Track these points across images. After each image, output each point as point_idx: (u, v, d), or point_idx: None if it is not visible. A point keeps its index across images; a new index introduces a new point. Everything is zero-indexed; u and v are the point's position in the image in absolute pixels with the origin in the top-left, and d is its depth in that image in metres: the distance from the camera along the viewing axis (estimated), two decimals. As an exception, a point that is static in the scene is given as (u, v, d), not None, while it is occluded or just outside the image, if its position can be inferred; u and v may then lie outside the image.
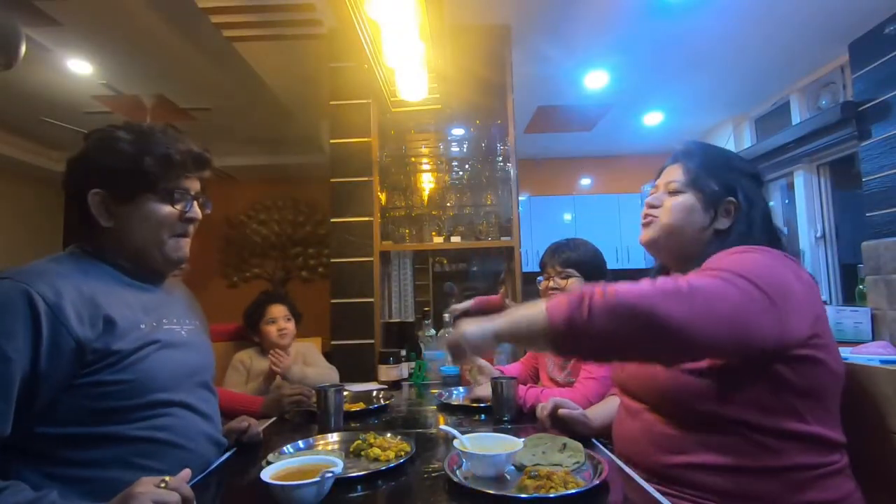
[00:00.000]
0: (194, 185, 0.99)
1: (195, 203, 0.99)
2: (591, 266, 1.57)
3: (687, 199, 0.99)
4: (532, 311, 0.82)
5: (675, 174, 1.03)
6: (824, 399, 0.85)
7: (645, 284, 0.76)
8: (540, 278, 1.66)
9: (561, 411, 1.16)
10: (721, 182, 0.98)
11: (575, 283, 1.57)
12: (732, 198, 0.98)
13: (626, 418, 1.03)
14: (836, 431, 0.85)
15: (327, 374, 2.02)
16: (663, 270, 1.10)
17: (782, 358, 0.81)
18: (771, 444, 0.82)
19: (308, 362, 2.08)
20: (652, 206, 1.04)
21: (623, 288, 0.76)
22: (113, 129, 0.94)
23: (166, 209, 0.94)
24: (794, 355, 0.81)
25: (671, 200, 1.01)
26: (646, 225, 1.05)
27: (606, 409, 1.21)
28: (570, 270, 1.57)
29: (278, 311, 2.06)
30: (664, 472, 0.89)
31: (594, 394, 1.36)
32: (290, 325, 2.07)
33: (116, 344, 0.84)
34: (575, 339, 0.77)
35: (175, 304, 1.04)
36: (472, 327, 0.87)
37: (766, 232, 0.97)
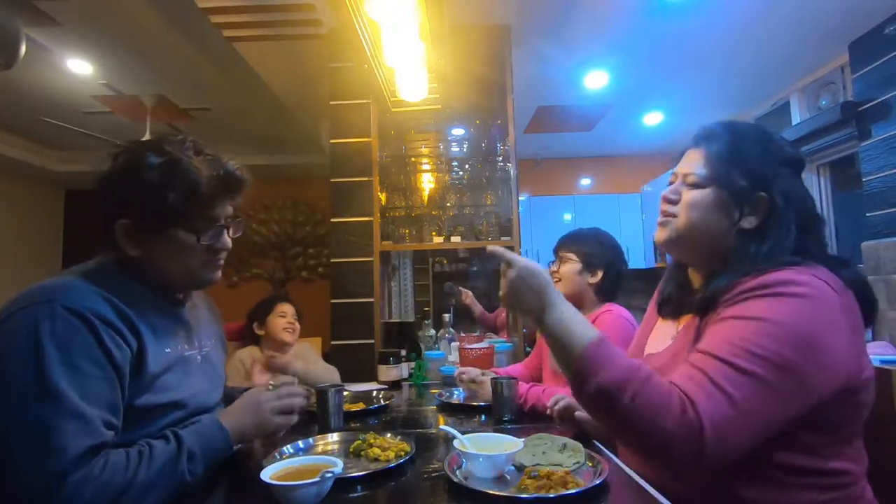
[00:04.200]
0: (225, 211, 0.95)
1: (225, 232, 0.95)
2: (591, 249, 1.55)
3: (708, 194, 0.86)
4: (574, 346, 0.76)
5: (694, 163, 0.89)
6: (848, 433, 0.78)
7: (665, 418, 0.68)
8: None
9: (578, 414, 1.13)
10: (750, 174, 0.84)
11: (570, 267, 1.55)
12: (764, 193, 0.83)
13: None
14: (854, 462, 0.79)
15: (328, 373, 2.03)
16: (680, 268, 1.00)
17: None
18: (780, 478, 0.75)
19: (307, 363, 2.09)
20: (669, 201, 0.91)
21: (647, 410, 0.69)
22: (141, 153, 0.88)
23: (193, 241, 0.90)
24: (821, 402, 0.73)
25: (689, 195, 0.88)
26: (662, 224, 0.92)
27: None
28: (566, 255, 1.57)
29: (289, 308, 2.11)
30: (668, 494, 0.85)
31: None
32: (297, 325, 2.12)
33: (145, 366, 0.85)
34: (590, 407, 0.78)
35: (196, 324, 1.04)
36: (531, 287, 0.80)
37: (803, 231, 0.82)
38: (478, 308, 3.09)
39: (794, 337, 0.71)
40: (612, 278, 1.56)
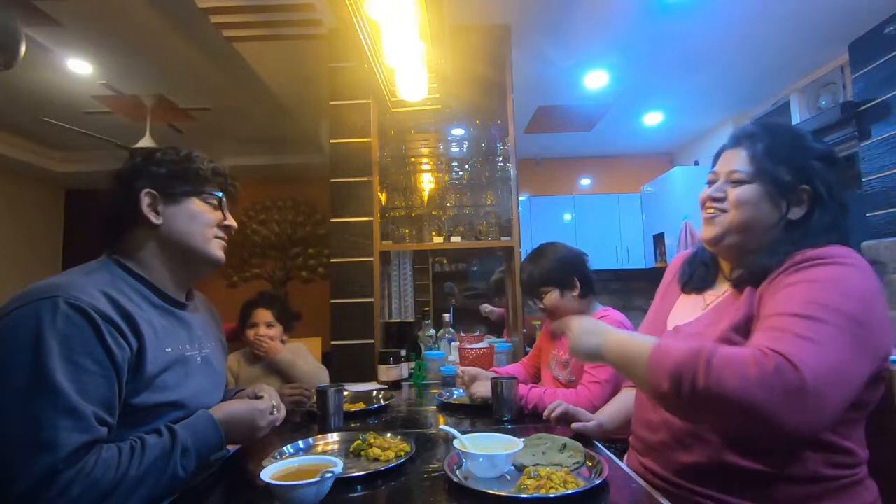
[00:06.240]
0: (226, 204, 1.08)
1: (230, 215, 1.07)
2: (560, 273, 1.59)
3: (755, 189, 0.89)
4: (638, 356, 0.81)
5: (736, 161, 0.93)
6: (860, 415, 0.82)
7: (752, 373, 0.67)
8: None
9: (574, 425, 1.14)
10: (792, 169, 0.88)
11: (552, 296, 1.59)
12: (806, 185, 0.88)
13: (649, 407, 0.98)
14: (860, 447, 0.83)
15: (316, 371, 1.98)
16: (712, 261, 1.02)
17: None
18: (799, 453, 0.79)
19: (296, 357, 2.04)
20: (715, 199, 0.94)
21: (728, 375, 0.68)
22: (156, 149, 1.02)
23: (210, 209, 1.02)
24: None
25: (737, 191, 0.91)
26: (709, 220, 0.94)
27: (619, 408, 1.20)
28: (542, 290, 1.60)
29: (261, 316, 1.99)
30: (684, 468, 0.87)
31: (600, 398, 1.36)
32: (272, 332, 1.99)
33: (144, 365, 0.85)
34: (673, 406, 0.80)
35: (197, 326, 1.05)
36: (586, 331, 0.90)
37: (842, 219, 0.89)
38: (495, 313, 3.15)
39: (857, 294, 0.75)
40: (587, 278, 1.61)
